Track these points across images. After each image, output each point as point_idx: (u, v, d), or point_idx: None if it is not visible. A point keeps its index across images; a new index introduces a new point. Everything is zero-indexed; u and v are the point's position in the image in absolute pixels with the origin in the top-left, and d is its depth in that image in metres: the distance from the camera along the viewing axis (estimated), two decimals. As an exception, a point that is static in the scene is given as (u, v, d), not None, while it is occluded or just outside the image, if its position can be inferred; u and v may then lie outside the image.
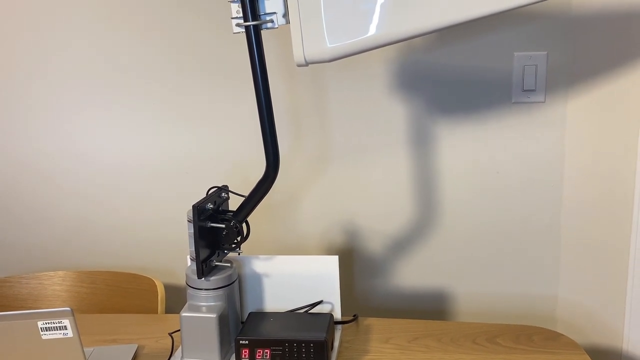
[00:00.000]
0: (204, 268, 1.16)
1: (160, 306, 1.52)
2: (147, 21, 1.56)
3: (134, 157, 1.65)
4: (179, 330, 1.29)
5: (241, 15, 1.06)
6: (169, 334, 1.31)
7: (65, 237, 1.73)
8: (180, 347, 1.20)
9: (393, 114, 1.53)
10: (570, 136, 1.48)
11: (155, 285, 1.54)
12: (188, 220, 1.16)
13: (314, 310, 1.28)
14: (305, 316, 1.24)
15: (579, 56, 1.43)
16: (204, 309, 1.16)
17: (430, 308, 1.65)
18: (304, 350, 1.13)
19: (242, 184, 1.61)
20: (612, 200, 1.49)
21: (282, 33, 1.49)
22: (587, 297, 1.56)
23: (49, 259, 1.75)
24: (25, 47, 1.61)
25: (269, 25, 1.07)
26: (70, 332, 0.94)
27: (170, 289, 1.70)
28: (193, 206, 1.12)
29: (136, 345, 1.26)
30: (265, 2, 1.06)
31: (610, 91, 1.43)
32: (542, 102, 1.47)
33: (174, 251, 1.70)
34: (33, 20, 1.59)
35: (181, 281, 1.72)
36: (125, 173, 1.66)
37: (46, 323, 0.93)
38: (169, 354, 1.24)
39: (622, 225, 1.49)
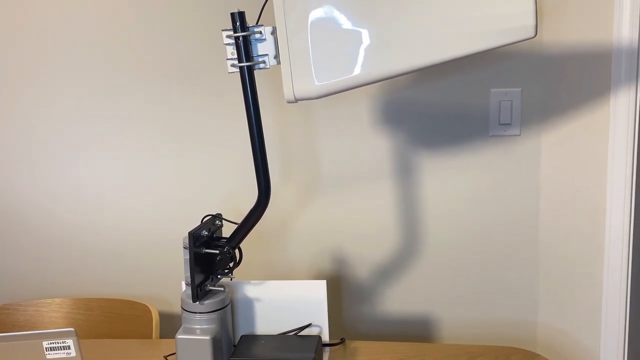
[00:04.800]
0: (198, 292, 1.22)
1: (155, 331, 1.56)
2: (142, 53, 1.62)
3: (129, 187, 1.70)
4: (174, 353, 1.34)
5: (236, 56, 1.14)
6: (164, 357, 1.36)
7: (61, 266, 1.77)
8: (175, 369, 1.25)
9: (378, 146, 1.60)
10: (545, 167, 1.56)
11: (150, 312, 1.59)
12: (184, 247, 1.22)
13: (303, 333, 1.33)
14: (295, 338, 1.30)
15: (551, 92, 1.52)
16: (198, 331, 1.21)
17: (415, 334, 1.70)
18: (293, 370, 1.18)
19: (233, 214, 1.67)
20: (586, 229, 1.56)
21: (274, 72, 1.58)
22: (565, 322, 1.62)
23: (46, 287, 1.79)
24: (25, 87, 1.68)
25: (262, 65, 1.15)
26: (73, 352, 0.99)
27: (162, 317, 1.73)
28: (189, 233, 1.19)
29: (132, 368, 1.31)
30: (258, 45, 1.14)
31: (581, 125, 1.52)
32: (518, 135, 1.56)
33: (167, 280, 1.74)
34: (32, 61, 1.67)
35: (173, 308, 1.76)
36: (120, 203, 1.71)
37: (51, 343, 0.98)
38: (164, 376, 1.29)
39: (596, 253, 1.56)
